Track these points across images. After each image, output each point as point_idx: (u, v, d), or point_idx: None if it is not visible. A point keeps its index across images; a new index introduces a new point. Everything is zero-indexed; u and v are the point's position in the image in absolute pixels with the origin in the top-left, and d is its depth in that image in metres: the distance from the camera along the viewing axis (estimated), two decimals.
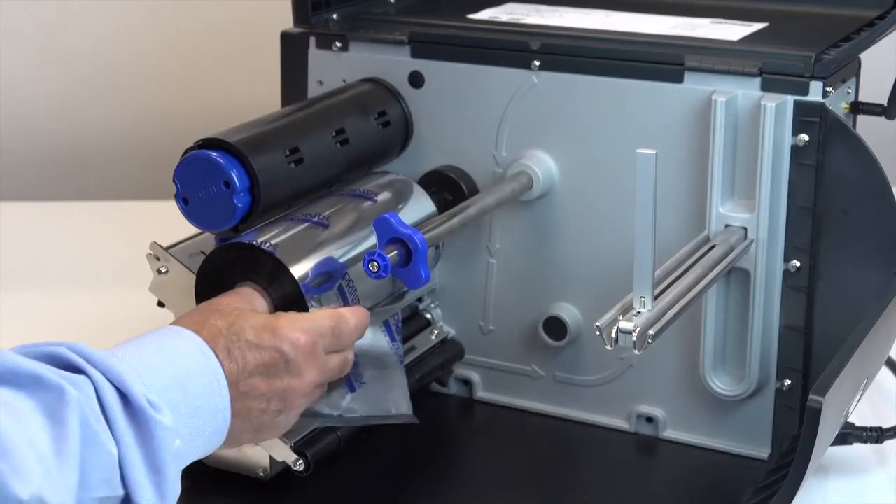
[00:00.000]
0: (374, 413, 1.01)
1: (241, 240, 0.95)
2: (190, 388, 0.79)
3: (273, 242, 0.95)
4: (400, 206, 1.05)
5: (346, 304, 0.97)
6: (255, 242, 0.94)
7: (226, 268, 0.95)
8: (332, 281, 0.95)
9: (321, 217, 1.00)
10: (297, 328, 0.87)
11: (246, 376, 0.84)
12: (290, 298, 0.93)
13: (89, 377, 0.74)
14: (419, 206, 1.07)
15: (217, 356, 0.82)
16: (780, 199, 1.02)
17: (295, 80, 1.16)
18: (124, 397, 0.74)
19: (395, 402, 1.02)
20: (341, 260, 0.97)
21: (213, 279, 0.95)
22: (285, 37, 1.17)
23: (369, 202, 1.04)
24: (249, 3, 1.80)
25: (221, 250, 0.95)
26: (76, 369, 0.74)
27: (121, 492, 0.73)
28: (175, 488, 0.76)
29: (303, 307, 0.93)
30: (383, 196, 1.05)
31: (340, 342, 0.91)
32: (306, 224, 0.99)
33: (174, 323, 0.86)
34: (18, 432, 0.69)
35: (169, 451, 0.75)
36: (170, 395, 0.77)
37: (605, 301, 0.92)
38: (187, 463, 0.79)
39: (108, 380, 0.74)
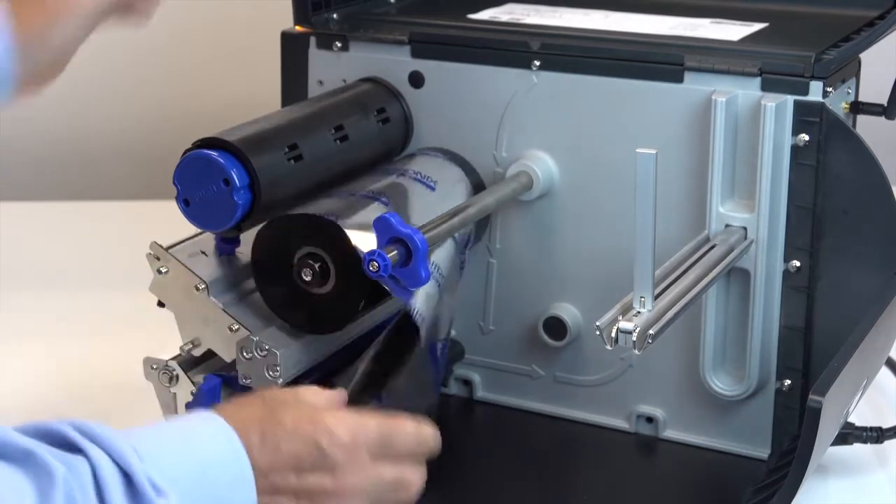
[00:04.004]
0: None
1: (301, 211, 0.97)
2: (210, 476, 0.75)
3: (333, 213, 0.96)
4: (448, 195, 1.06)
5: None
6: (318, 214, 0.95)
7: (285, 238, 0.96)
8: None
9: (383, 197, 1.01)
10: (342, 424, 0.81)
11: (279, 466, 0.79)
12: (349, 265, 0.94)
13: (87, 456, 0.70)
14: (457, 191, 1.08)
15: (245, 445, 0.77)
16: (780, 199, 1.02)
17: (295, 80, 1.16)
18: (127, 478, 0.71)
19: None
20: None
21: (270, 251, 0.97)
22: (285, 37, 1.17)
23: (429, 189, 1.05)
24: (250, 3, 1.80)
25: (279, 221, 0.96)
26: (76, 448, 0.71)
27: None
28: None
29: (364, 282, 0.92)
30: (441, 184, 1.06)
31: (390, 449, 0.84)
32: (370, 201, 1.00)
33: (214, 410, 0.81)
34: None
35: None
36: (184, 483, 0.73)
37: (605, 301, 0.91)
38: None
39: (112, 458, 0.71)
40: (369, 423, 0.83)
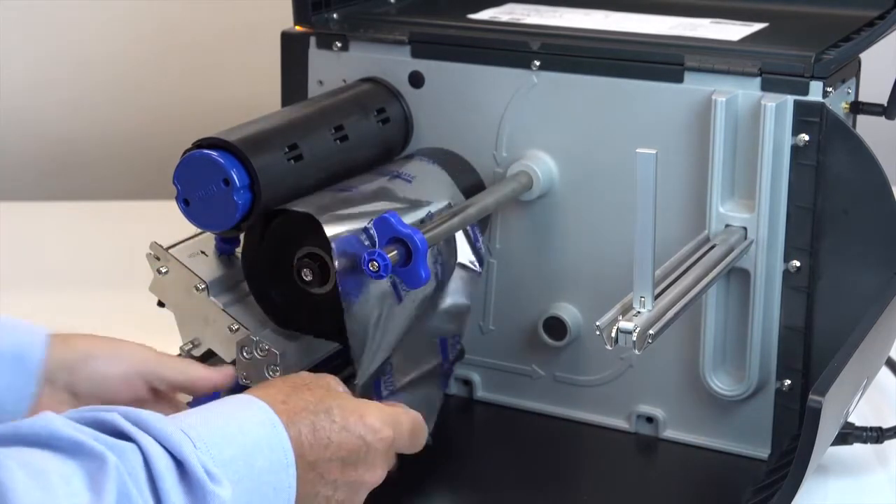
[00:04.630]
0: None
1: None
2: (257, 461, 0.75)
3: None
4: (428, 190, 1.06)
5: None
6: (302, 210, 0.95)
7: (275, 243, 0.97)
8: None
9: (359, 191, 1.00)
10: (383, 419, 0.84)
11: (327, 458, 0.81)
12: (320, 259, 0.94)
13: (139, 445, 0.69)
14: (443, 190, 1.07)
15: (294, 436, 0.78)
16: (780, 199, 1.02)
17: (295, 80, 1.16)
18: (181, 466, 0.70)
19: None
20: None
21: (260, 259, 0.97)
22: (285, 37, 1.17)
23: (406, 183, 1.04)
24: (249, 3, 1.81)
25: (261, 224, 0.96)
26: (126, 437, 0.70)
27: None
28: None
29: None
30: (418, 178, 1.05)
31: (413, 445, 0.88)
32: (347, 193, 0.99)
33: (252, 391, 0.82)
34: (41, 501, 0.64)
35: None
36: (234, 467, 0.73)
37: (605, 301, 0.91)
38: None
39: (164, 447, 0.70)
40: (402, 419, 0.87)
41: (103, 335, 0.96)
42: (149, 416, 0.71)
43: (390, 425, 0.85)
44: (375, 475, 0.84)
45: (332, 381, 0.88)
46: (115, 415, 0.71)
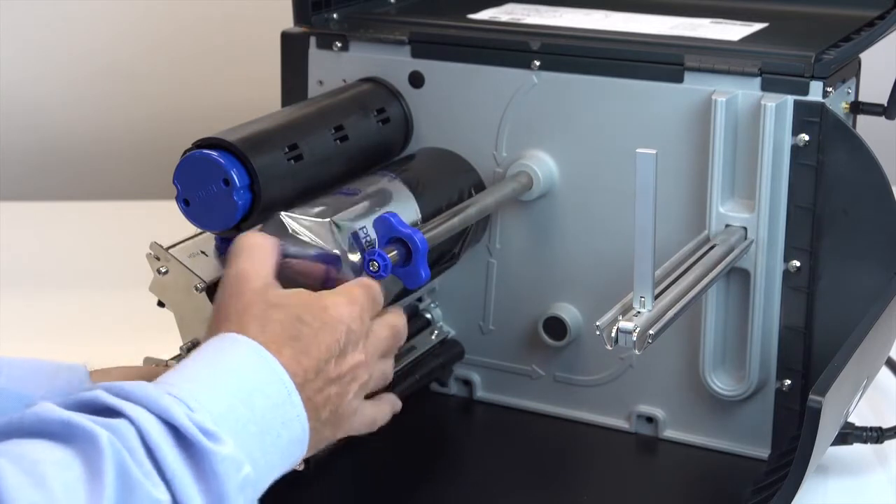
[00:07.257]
0: None
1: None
2: (256, 401, 0.74)
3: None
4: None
5: None
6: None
7: None
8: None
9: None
10: (343, 302, 0.84)
11: (324, 360, 0.80)
12: None
13: (129, 418, 0.68)
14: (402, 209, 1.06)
15: (279, 358, 0.77)
16: (780, 199, 1.02)
17: (295, 80, 1.16)
18: (175, 431, 0.69)
19: None
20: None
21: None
22: (285, 37, 1.17)
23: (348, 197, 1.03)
24: (249, 3, 1.81)
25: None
26: (115, 412, 0.68)
27: None
28: None
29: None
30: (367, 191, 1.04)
31: (376, 306, 0.89)
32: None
33: (228, 327, 0.80)
34: (34, 497, 0.62)
35: (233, 483, 0.69)
36: (234, 416, 0.72)
37: (605, 301, 0.92)
38: (268, 483, 0.75)
39: (154, 414, 0.68)
40: (356, 292, 0.87)
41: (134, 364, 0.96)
42: (133, 386, 0.70)
43: (350, 303, 0.85)
44: (366, 353, 0.85)
45: (273, 283, 0.86)
46: (98, 391, 0.69)
